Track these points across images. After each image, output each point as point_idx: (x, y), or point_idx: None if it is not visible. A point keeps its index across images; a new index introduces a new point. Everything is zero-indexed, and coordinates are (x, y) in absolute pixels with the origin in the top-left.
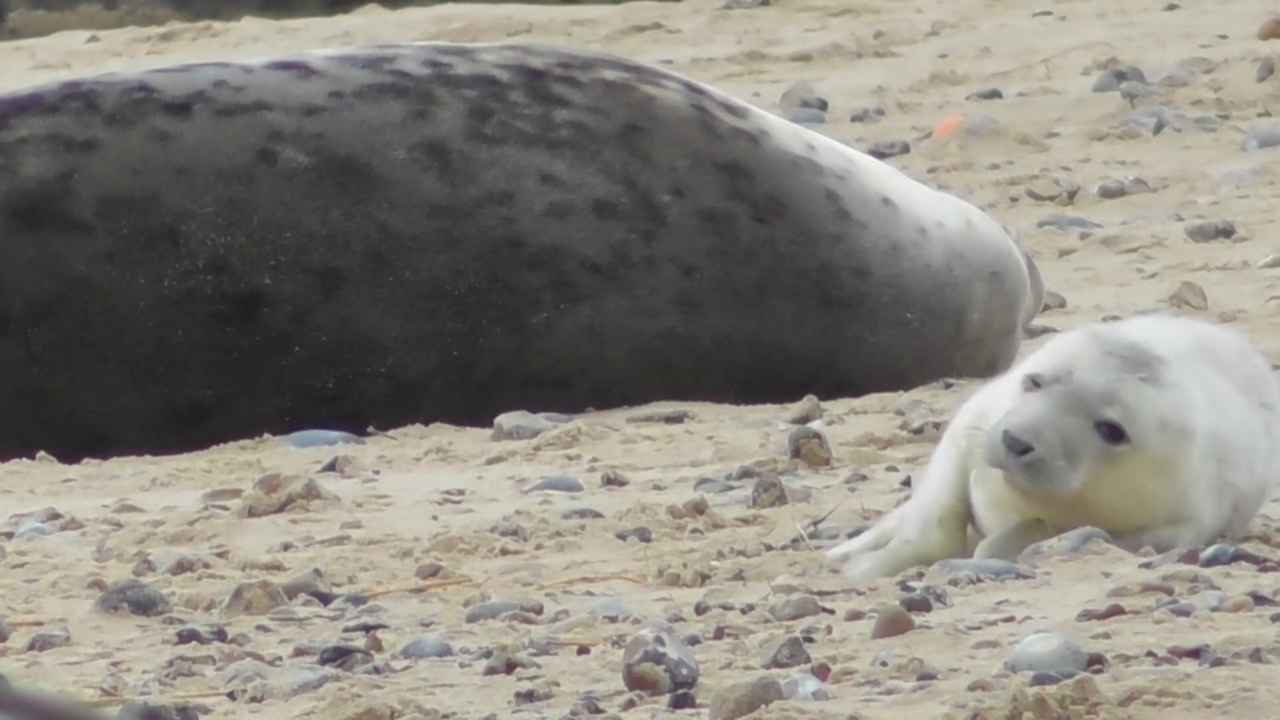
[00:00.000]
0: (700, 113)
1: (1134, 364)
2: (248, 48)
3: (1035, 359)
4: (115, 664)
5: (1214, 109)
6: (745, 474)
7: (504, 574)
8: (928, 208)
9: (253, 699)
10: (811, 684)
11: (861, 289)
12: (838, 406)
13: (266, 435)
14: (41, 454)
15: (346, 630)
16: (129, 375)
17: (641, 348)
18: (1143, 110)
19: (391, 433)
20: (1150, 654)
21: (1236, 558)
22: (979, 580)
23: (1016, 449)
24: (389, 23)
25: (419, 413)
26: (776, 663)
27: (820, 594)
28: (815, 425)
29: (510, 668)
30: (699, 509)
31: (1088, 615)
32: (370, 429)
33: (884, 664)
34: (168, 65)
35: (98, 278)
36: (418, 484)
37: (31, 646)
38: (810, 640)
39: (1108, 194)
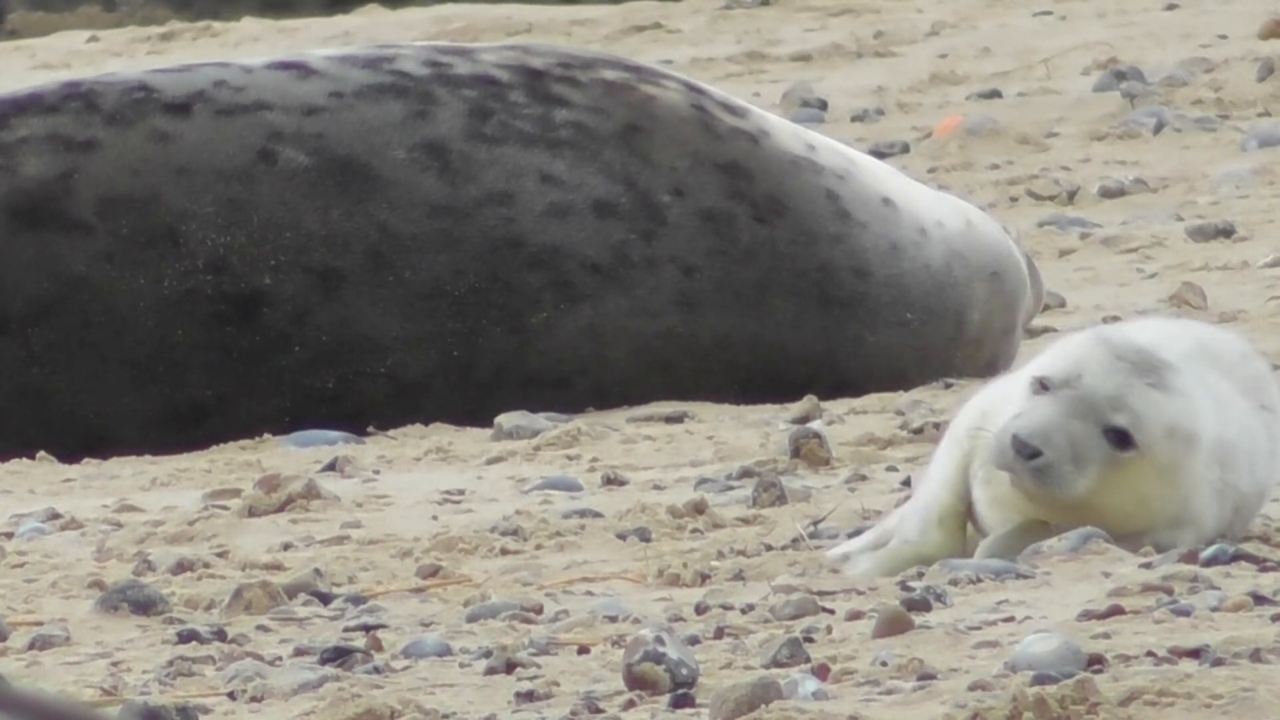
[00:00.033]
0: (700, 113)
1: (1142, 369)
2: (248, 48)
3: (1042, 361)
4: (115, 664)
5: (1214, 109)
6: (745, 474)
7: (504, 574)
8: (928, 208)
9: (253, 699)
10: (811, 684)
11: (861, 289)
12: (838, 406)
13: (266, 435)
14: (41, 454)
15: (346, 630)
16: (129, 375)
17: (641, 348)
18: (1143, 110)
19: (391, 433)
20: (1150, 654)
21: (1236, 558)
22: (979, 580)
23: (1026, 453)
24: (389, 23)
25: (419, 413)
26: (776, 663)
27: (820, 594)
28: (815, 425)
29: (510, 668)
30: (699, 509)
31: (1088, 615)
32: (370, 429)
33: (884, 664)
34: (168, 65)
35: (98, 278)
36: (418, 484)
37: (31, 646)
38: (810, 640)
39: (1108, 194)
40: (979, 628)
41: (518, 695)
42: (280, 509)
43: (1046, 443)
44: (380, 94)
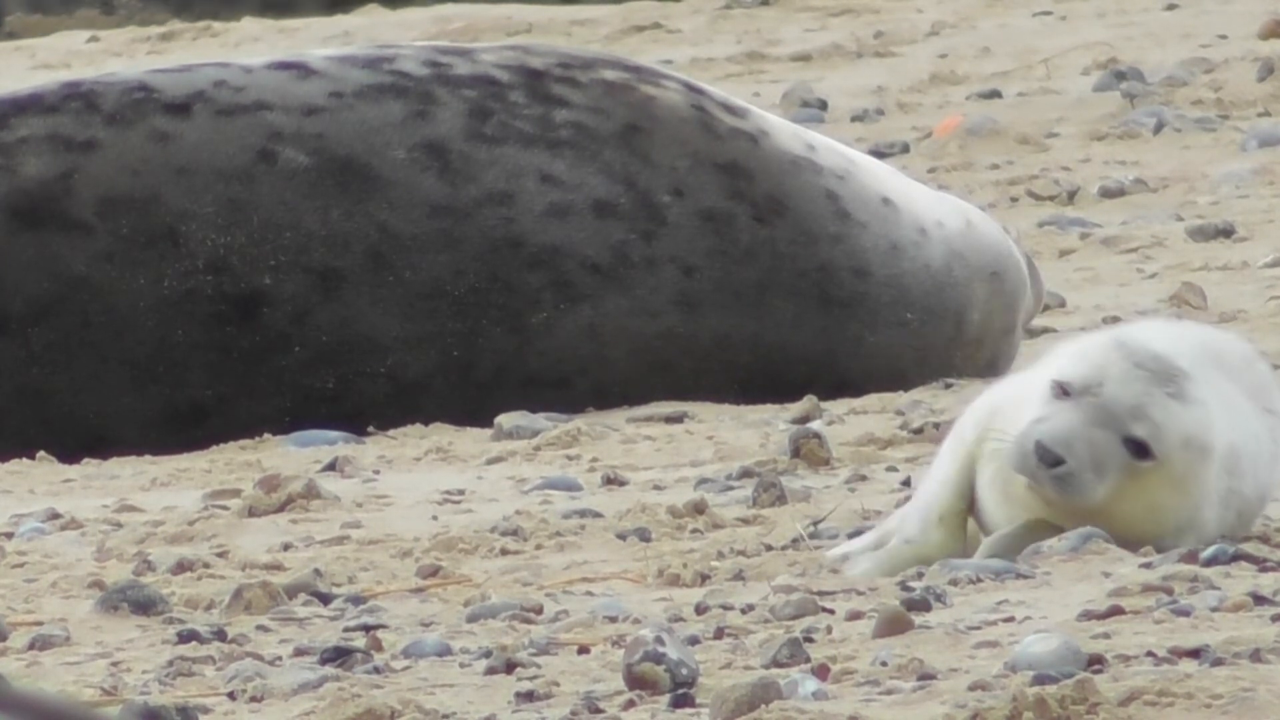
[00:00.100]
0: (700, 113)
1: (1161, 378)
2: (248, 48)
3: (1062, 365)
4: (115, 664)
5: (1214, 109)
6: (745, 474)
7: (504, 574)
8: (928, 208)
9: (253, 699)
10: (811, 684)
11: (861, 289)
12: (838, 406)
13: (266, 435)
14: (41, 454)
15: (346, 630)
16: (129, 375)
17: (641, 348)
18: (1143, 110)
19: (391, 433)
20: (1150, 654)
21: (1236, 558)
22: (979, 580)
23: (1049, 460)
24: (389, 23)
25: (419, 413)
26: (776, 663)
27: (820, 594)
28: (815, 425)
29: (510, 668)
30: (699, 509)
31: (1088, 615)
32: (370, 429)
33: (884, 664)
34: (168, 65)
35: (98, 278)
36: (418, 484)
37: (31, 646)
38: (810, 640)
39: (1108, 194)
40: (979, 628)
41: (518, 695)
42: (280, 509)
43: (1069, 451)
44: (380, 94)
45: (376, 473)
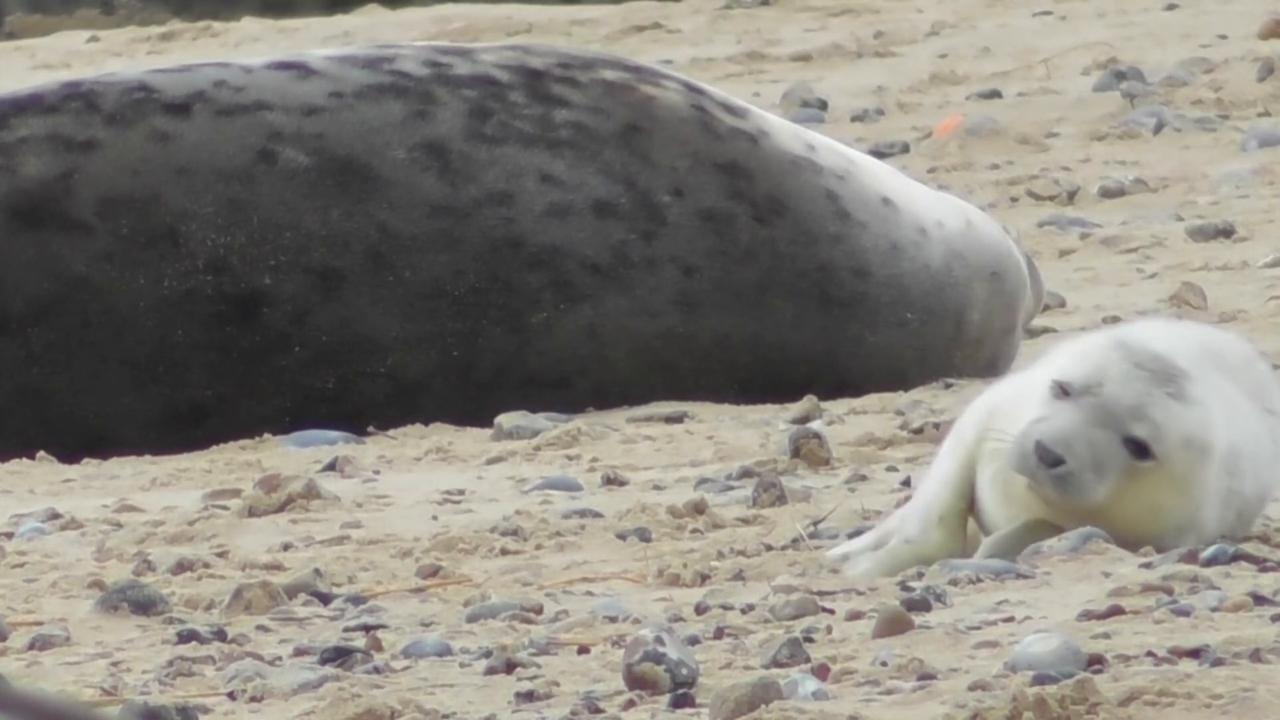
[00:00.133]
0: (700, 113)
1: (1161, 378)
2: (248, 48)
3: (1062, 365)
4: (115, 664)
5: (1214, 109)
6: (745, 474)
7: (504, 574)
8: (928, 208)
9: (253, 699)
10: (811, 684)
11: (861, 289)
12: (838, 406)
13: (266, 435)
14: (41, 454)
15: (346, 630)
16: (129, 375)
17: (641, 348)
18: (1143, 110)
19: (391, 433)
20: (1150, 654)
21: (1236, 558)
22: (979, 580)
23: (1049, 460)
24: (389, 23)
25: (419, 413)
26: (776, 663)
27: (820, 594)
28: (815, 425)
29: (510, 668)
30: (699, 509)
31: (1088, 615)
32: (370, 429)
33: (884, 664)
34: (168, 65)
35: (98, 278)
36: (418, 484)
37: (31, 646)
38: (810, 640)
39: (1108, 194)
40: (979, 628)
41: (518, 695)
42: (280, 509)
43: (1069, 451)
44: (380, 94)
45: (376, 473)
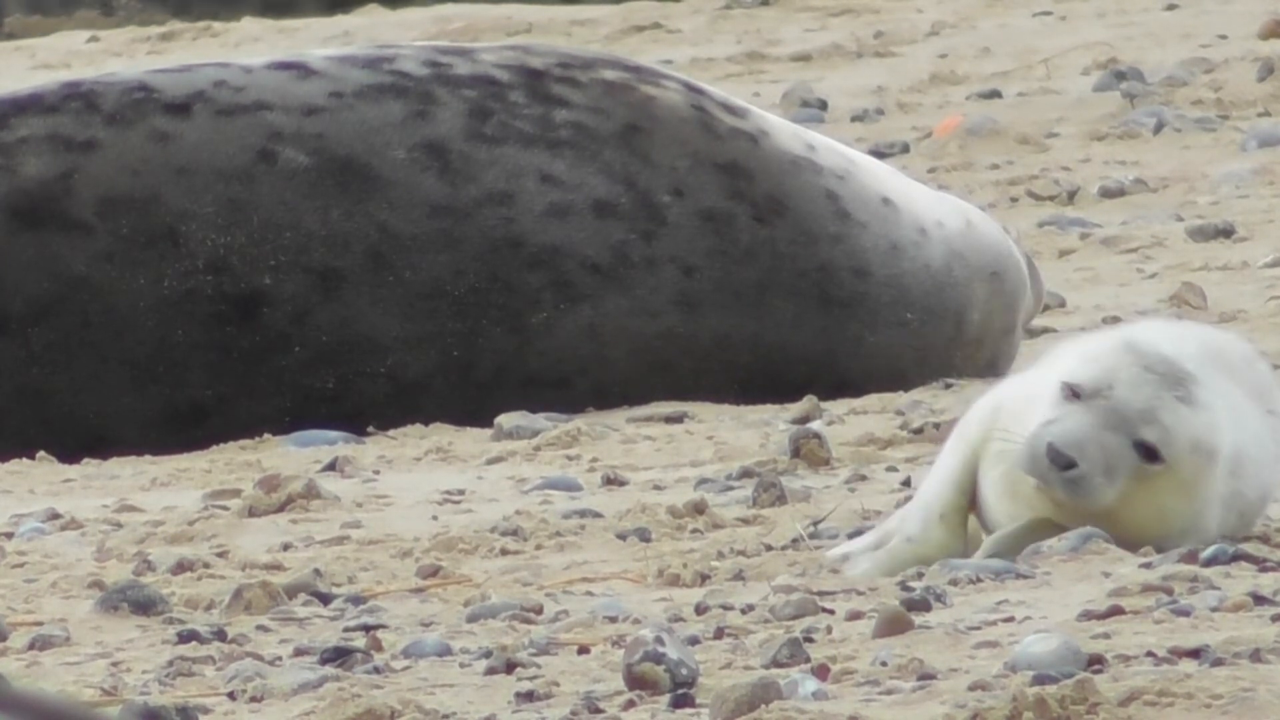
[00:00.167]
0: (700, 113)
1: (1170, 381)
2: (248, 48)
3: (1071, 367)
4: (115, 664)
5: (1214, 109)
6: (745, 474)
7: (504, 574)
8: (928, 208)
9: (253, 699)
10: (811, 684)
11: (861, 289)
12: (838, 406)
13: (266, 435)
14: (41, 454)
15: (346, 630)
16: (129, 375)
17: (641, 348)
18: (1143, 110)
19: (391, 433)
20: (1150, 654)
21: (1236, 558)
22: (979, 580)
23: (1061, 463)
24: (389, 23)
25: (419, 413)
26: (776, 663)
27: (820, 594)
28: (815, 425)
29: (510, 668)
30: (699, 509)
31: (1088, 615)
32: (370, 429)
33: (884, 664)
34: (168, 65)
35: (98, 278)
36: (418, 484)
37: (31, 646)
38: (810, 640)
39: (1108, 194)
40: (979, 628)
41: (518, 695)
42: (280, 509)
43: (1082, 454)
44: (380, 94)
45: (376, 473)
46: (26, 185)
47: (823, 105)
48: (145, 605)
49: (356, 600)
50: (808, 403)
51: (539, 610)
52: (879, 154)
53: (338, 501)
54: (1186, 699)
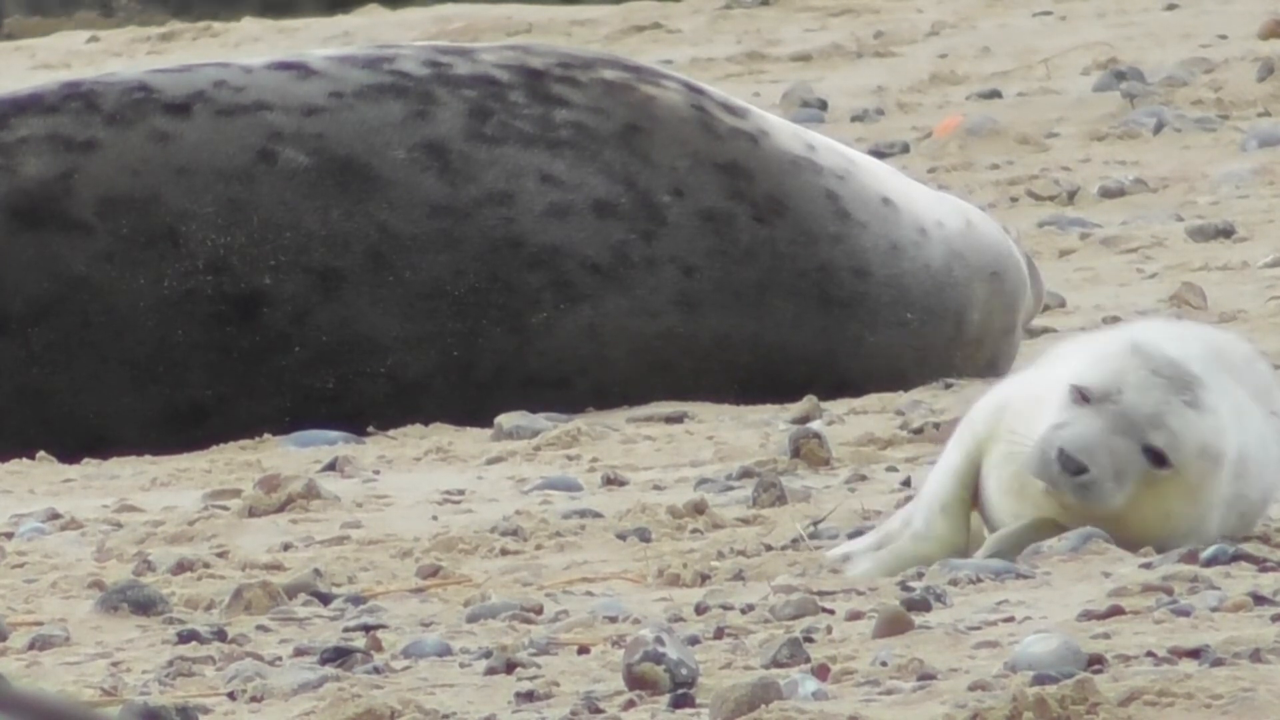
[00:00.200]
0: (700, 113)
1: (1178, 386)
2: (248, 48)
3: (1079, 369)
4: (115, 664)
5: (1214, 109)
6: (745, 474)
7: (504, 574)
8: (928, 208)
9: (253, 699)
10: (811, 684)
11: (861, 289)
12: (838, 406)
13: (266, 435)
14: (41, 454)
15: (346, 630)
16: (129, 375)
17: (641, 348)
18: (1143, 110)
19: (391, 433)
20: (1150, 654)
21: (1236, 558)
22: (979, 580)
23: (1071, 468)
24: (389, 23)
25: (419, 413)
26: (776, 663)
27: (820, 594)
28: (815, 425)
29: (510, 668)
30: (699, 509)
31: (1088, 615)
32: (370, 429)
33: (884, 664)
34: (168, 65)
35: (98, 278)
36: (418, 484)
37: (31, 646)
38: (810, 640)
39: (1108, 194)
40: (979, 628)
41: (518, 695)
42: (280, 509)
43: (1093, 460)
44: (380, 94)
45: (376, 473)
46: (26, 185)
47: (823, 105)
48: (145, 605)
49: (356, 600)
50: (808, 403)
51: (539, 610)
52: (879, 154)
53: (338, 501)
54: (1186, 699)
